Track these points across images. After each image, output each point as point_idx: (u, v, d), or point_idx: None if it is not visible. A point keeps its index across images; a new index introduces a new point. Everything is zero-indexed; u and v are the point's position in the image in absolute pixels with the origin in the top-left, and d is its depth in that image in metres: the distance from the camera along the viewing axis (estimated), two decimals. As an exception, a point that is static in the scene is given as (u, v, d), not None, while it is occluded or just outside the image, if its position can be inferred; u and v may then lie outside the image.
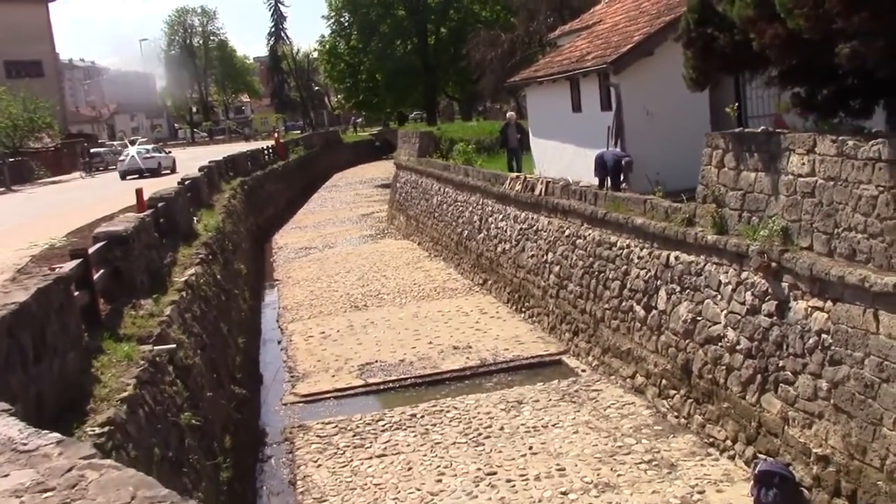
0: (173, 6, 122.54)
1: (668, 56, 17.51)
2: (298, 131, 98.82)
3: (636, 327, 13.29)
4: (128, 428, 6.87)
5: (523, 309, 18.69)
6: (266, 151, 49.45)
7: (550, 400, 13.29)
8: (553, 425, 12.26)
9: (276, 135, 59.83)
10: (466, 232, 23.71)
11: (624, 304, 13.75)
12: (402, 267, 26.00)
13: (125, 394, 7.23)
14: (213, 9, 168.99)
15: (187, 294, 11.98)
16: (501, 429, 12.33)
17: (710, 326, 11.23)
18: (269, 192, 41.71)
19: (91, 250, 10.16)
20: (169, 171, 42.04)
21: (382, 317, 19.95)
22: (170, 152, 52.35)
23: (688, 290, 11.87)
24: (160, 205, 15.68)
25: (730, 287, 10.86)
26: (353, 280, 24.65)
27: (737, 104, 13.94)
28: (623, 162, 17.03)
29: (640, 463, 10.71)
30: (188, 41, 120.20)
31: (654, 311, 12.75)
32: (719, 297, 11.09)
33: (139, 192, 18.03)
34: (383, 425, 12.98)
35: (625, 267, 13.90)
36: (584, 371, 14.75)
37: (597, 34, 21.34)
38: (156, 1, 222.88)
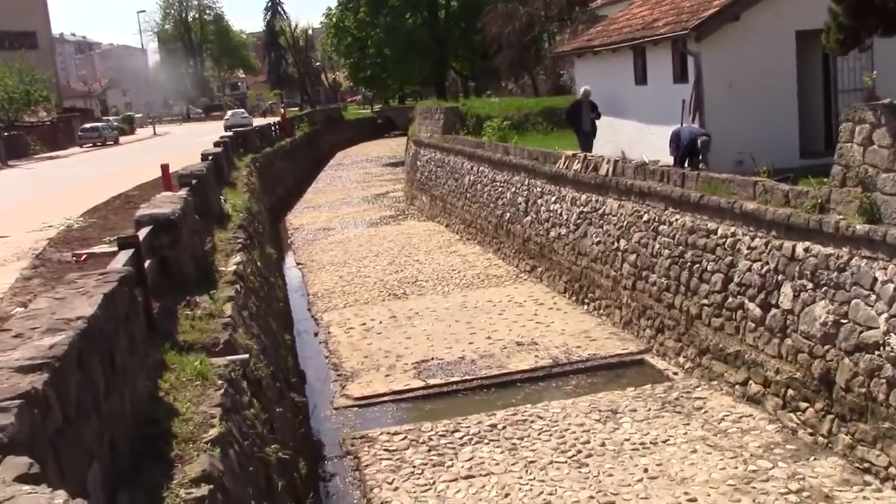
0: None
1: (755, 21, 15.84)
2: (296, 108, 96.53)
3: (748, 327, 11.60)
4: (224, 481, 5.15)
5: (586, 300, 17.00)
6: (273, 128, 47.55)
7: (650, 409, 11.61)
8: (663, 442, 10.59)
9: (282, 111, 57.69)
10: (508, 214, 21.95)
11: (730, 300, 12.06)
12: (434, 251, 24.27)
13: (214, 431, 5.50)
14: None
15: (241, 287, 10.23)
16: (603, 445, 10.65)
17: (861, 331, 9.54)
18: (279, 169, 39.87)
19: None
20: (250, 126, 51.40)
21: (426, 306, 18.23)
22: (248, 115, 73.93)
23: (825, 288, 10.17)
24: (194, 182, 13.88)
25: (891, 286, 9.16)
26: (384, 264, 22.91)
27: (874, 72, 12.14)
28: (699, 141, 15.33)
29: (786, 493, 9.05)
30: (183, 15, 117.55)
31: (774, 311, 11.06)
32: (874, 297, 9.40)
33: (165, 168, 16.27)
34: (461, 437, 11.29)
35: (729, 258, 12.19)
36: (675, 374, 13.08)
37: (658, 1, 19.55)
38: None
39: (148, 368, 6.08)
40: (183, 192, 11.67)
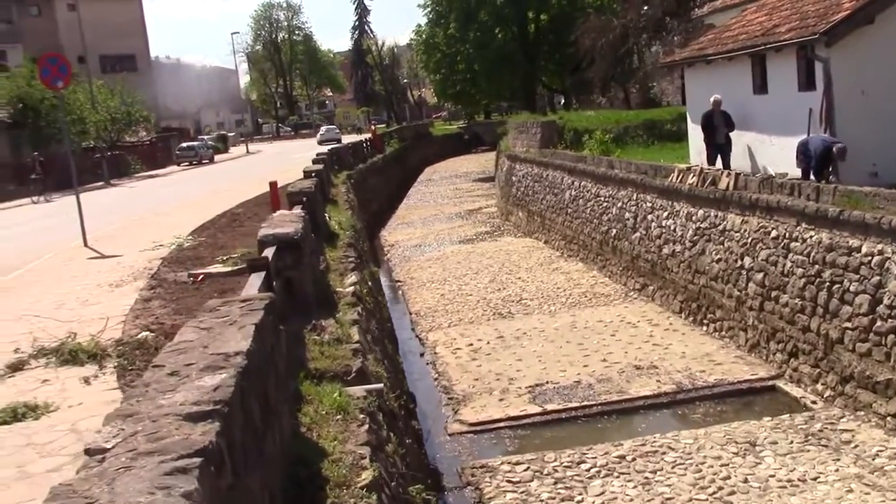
0: (255, 2, 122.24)
1: (891, 24, 14.84)
2: (384, 125, 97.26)
3: (903, 354, 10.65)
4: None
5: (705, 321, 16.14)
6: (365, 145, 47.74)
7: (793, 442, 10.76)
8: (813, 479, 9.75)
9: (373, 128, 58.01)
10: (615, 231, 21.20)
11: (879, 323, 11.12)
12: (535, 268, 23.66)
13: (367, 475, 5.05)
14: (299, 3, 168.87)
15: (362, 310, 9.85)
16: (746, 481, 9.87)
17: None
18: (371, 185, 39.89)
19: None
20: (339, 143, 57.98)
21: (534, 326, 17.63)
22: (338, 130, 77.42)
23: None
24: (304, 200, 13.64)
25: None
26: (486, 282, 22.42)
27: None
28: (835, 149, 14.39)
29: (964, 541, 8.14)
30: (273, 36, 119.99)
31: (935, 336, 10.11)
32: None
33: (273, 186, 16.15)
34: (588, 469, 10.65)
35: (877, 278, 11.26)
36: (814, 403, 12.17)
37: (774, 6, 18.59)
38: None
39: (292, 403, 5.69)
40: (299, 211, 11.41)
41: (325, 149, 39.90)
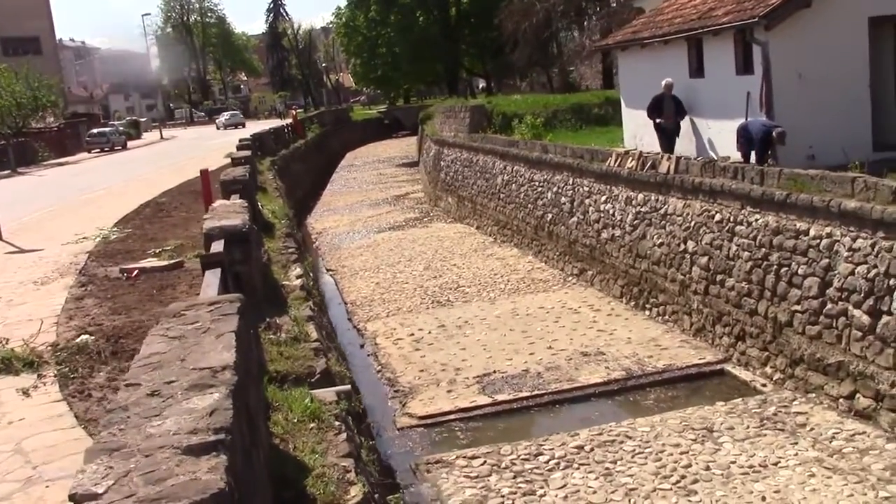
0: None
1: (827, 7, 14.96)
2: (301, 110, 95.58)
3: (854, 336, 10.71)
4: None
5: (648, 305, 16.11)
6: (286, 130, 46.67)
7: (749, 427, 10.73)
8: (774, 464, 9.71)
9: (293, 112, 56.85)
10: (550, 216, 21.07)
11: (829, 306, 11.18)
12: (470, 254, 23.39)
13: (356, 491, 4.62)
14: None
15: (314, 304, 9.36)
16: (707, 468, 9.77)
17: None
18: (295, 171, 38.97)
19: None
20: (243, 126, 66.72)
21: (475, 314, 17.35)
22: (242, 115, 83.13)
23: (952, 293, 9.30)
24: (241, 188, 12.99)
25: None
26: (420, 270, 22.04)
27: None
28: (775, 133, 14.43)
29: (931, 523, 8.17)
30: (185, 18, 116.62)
31: (887, 318, 10.18)
32: None
33: (205, 173, 15.40)
34: (547, 461, 10.40)
35: (826, 261, 11.31)
36: (763, 386, 12.20)
37: (707, -12, 18.61)
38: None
39: (266, 415, 5.21)
40: (240, 201, 10.81)
41: (239, 134, 38.96)
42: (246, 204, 10.14)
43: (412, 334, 16.47)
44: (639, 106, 20.27)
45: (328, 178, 49.67)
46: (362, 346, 16.43)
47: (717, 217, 13.96)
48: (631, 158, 17.25)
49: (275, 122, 58.59)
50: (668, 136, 17.90)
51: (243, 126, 71.62)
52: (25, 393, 6.19)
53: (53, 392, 6.18)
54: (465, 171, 29.21)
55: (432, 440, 11.93)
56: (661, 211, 15.77)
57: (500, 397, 12.84)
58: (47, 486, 4.81)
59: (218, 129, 73.80)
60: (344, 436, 5.38)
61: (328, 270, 23.89)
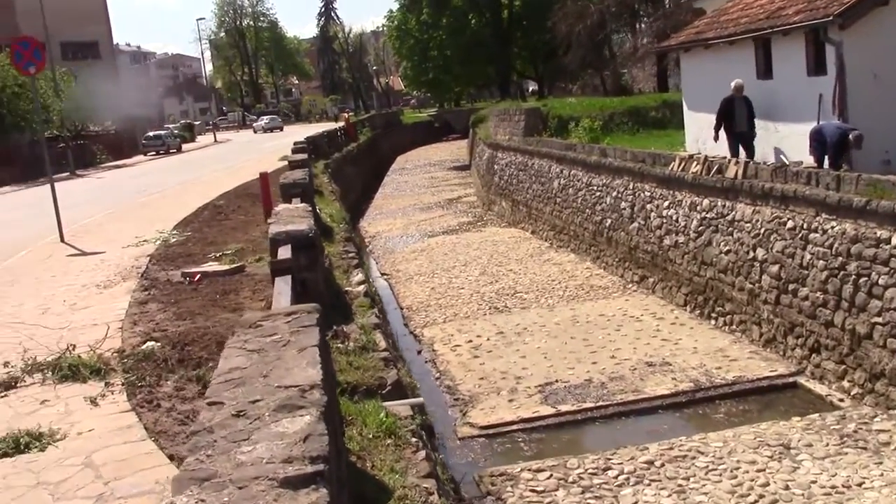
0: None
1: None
2: (352, 113, 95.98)
3: (941, 351, 10.18)
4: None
5: (713, 315, 15.62)
6: (339, 133, 46.81)
7: (828, 445, 10.24)
8: (858, 485, 9.23)
9: (345, 115, 57.00)
10: (610, 221, 20.64)
11: (914, 318, 10.64)
12: (526, 259, 23.04)
13: (441, 515, 4.36)
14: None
15: (379, 312, 9.15)
16: (787, 488, 9.33)
17: None
18: (348, 174, 39.02)
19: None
20: (280, 130, 70.27)
21: (534, 321, 17.02)
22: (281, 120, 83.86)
23: None
24: (301, 193, 12.84)
25: None
26: (476, 275, 21.76)
27: None
28: (851, 136, 13.90)
29: None
30: (238, 23, 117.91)
31: (980, 332, 9.63)
32: None
33: (264, 176, 15.32)
34: (616, 476, 10.04)
35: (910, 271, 10.77)
36: (841, 401, 11.68)
37: (774, -12, 18.06)
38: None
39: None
40: (302, 205, 10.64)
41: (290, 138, 39.11)
42: (309, 208, 9.96)
43: (470, 341, 16.20)
44: (702, 109, 19.82)
45: (379, 182, 49.70)
46: (419, 353, 16.19)
47: (790, 224, 13.44)
48: (696, 162, 16.78)
49: (325, 126, 58.89)
50: (743, 141, 17.19)
51: (280, 129, 72.85)
52: (93, 402, 6.05)
53: (121, 401, 6.02)
54: (520, 174, 28.88)
55: (494, 451, 11.63)
56: (729, 217, 15.28)
57: (563, 408, 12.50)
58: (120, 505, 4.65)
59: (255, 132, 75.25)
60: (423, 454, 5.13)
61: (383, 274, 23.72)
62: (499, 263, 22.88)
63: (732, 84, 16.96)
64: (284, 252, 7.71)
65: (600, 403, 12.50)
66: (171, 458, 4.91)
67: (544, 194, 26.02)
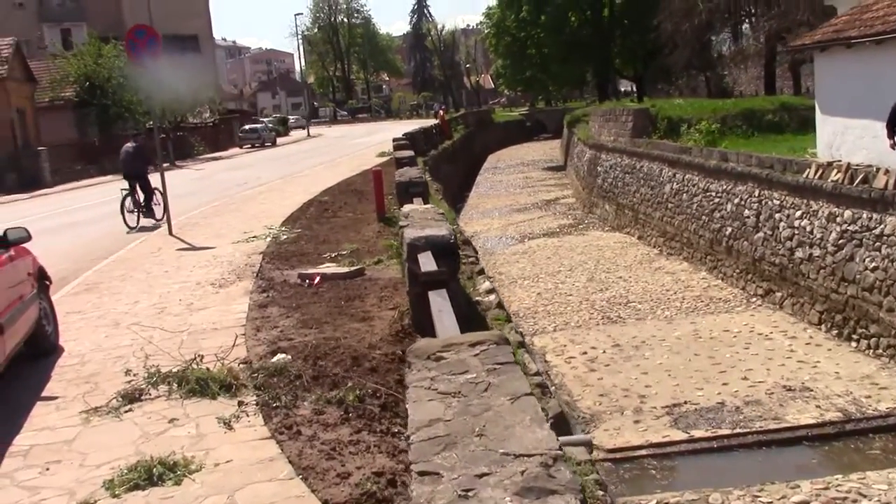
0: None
1: None
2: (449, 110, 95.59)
3: None
4: None
5: (855, 336, 14.35)
6: (434, 130, 46.28)
7: None
8: None
9: (441, 113, 56.48)
10: (730, 229, 19.41)
11: None
12: (635, 266, 21.98)
13: None
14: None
15: (514, 325, 8.36)
16: (972, 544, 8.20)
17: None
18: (445, 172, 38.42)
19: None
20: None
21: (651, 334, 16.02)
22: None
23: None
24: (417, 191, 12.17)
25: None
26: (584, 281, 20.82)
27: None
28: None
29: None
30: (332, 19, 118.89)
31: None
32: None
33: (377, 174, 14.73)
34: (768, 518, 9.06)
35: None
36: None
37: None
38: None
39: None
40: (431, 206, 9.94)
41: (381, 135, 38.37)
42: (441, 211, 9.25)
43: (585, 353, 15.31)
44: (838, 112, 18.37)
45: (473, 180, 49.04)
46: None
47: (954, 241, 12.15)
48: (836, 170, 15.52)
49: (415, 123, 58.46)
50: None
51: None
52: (227, 424, 5.43)
53: (258, 425, 5.38)
54: (627, 177, 27.75)
55: (621, 477, 10.74)
56: (876, 231, 14.00)
57: (696, 433, 11.53)
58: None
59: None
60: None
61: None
62: (606, 270, 21.89)
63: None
64: (424, 259, 7.01)
65: (738, 431, 11.48)
66: (325, 503, 4.23)
67: (654, 199, 24.87)
